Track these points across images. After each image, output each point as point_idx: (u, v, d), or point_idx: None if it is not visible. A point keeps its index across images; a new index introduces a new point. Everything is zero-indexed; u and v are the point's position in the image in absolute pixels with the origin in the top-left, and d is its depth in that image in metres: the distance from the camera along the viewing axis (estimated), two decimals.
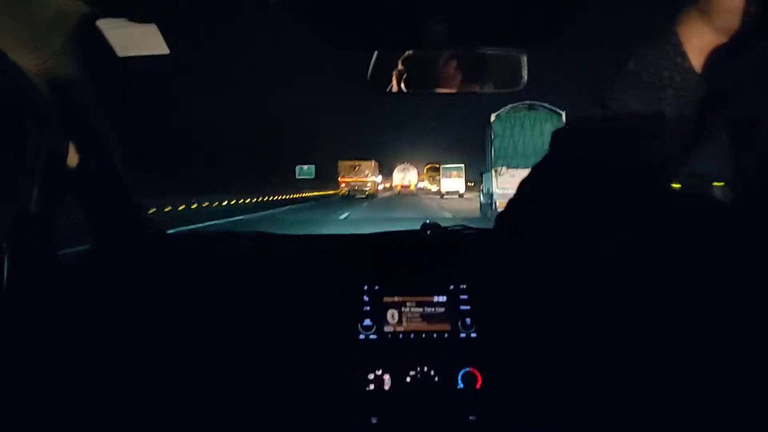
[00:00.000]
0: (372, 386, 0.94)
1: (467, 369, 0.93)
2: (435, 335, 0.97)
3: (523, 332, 0.96)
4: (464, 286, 0.99)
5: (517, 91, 0.97)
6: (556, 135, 0.67)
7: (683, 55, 0.55)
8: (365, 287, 1.00)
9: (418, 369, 0.95)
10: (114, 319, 0.95)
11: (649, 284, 0.80)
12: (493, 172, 8.37)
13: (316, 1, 0.79)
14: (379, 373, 0.95)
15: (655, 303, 0.81)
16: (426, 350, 0.97)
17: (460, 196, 30.62)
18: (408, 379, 0.94)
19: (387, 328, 0.98)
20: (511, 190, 0.86)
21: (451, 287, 0.99)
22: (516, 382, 0.94)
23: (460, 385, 0.93)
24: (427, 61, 0.99)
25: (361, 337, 0.98)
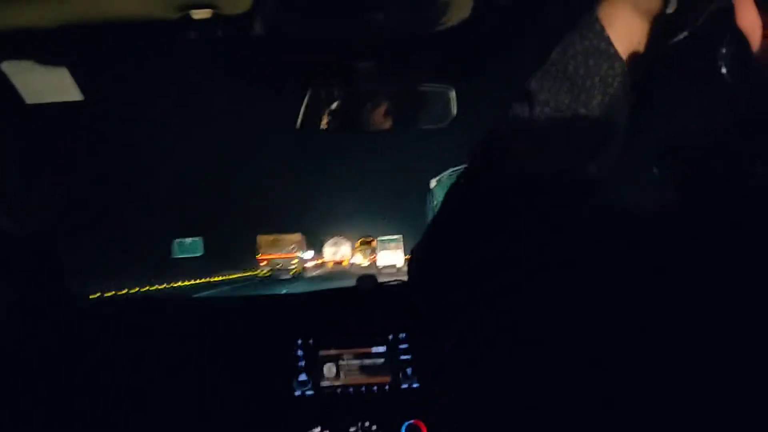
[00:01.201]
0: None
1: (410, 422, 0.99)
2: (375, 388, 1.03)
3: (466, 379, 1.08)
4: (404, 335, 1.07)
5: (445, 128, 1.17)
6: (482, 143, 0.70)
7: (607, 41, 0.59)
8: (299, 341, 1.05)
9: (359, 425, 0.99)
10: (30, 384, 0.96)
11: (593, 312, 0.95)
12: None
13: (245, 41, 0.94)
14: (317, 431, 0.99)
15: (601, 333, 0.95)
16: (366, 404, 1.02)
17: (398, 269, 31.06)
18: None
19: (324, 383, 1.03)
20: None
21: (391, 337, 1.06)
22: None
23: None
24: (357, 100, 1.16)
25: (297, 393, 1.01)
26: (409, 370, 1.05)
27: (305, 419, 0.99)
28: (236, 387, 0.99)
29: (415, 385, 1.04)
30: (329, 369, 1.04)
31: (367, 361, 1.05)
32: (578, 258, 0.81)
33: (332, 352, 1.05)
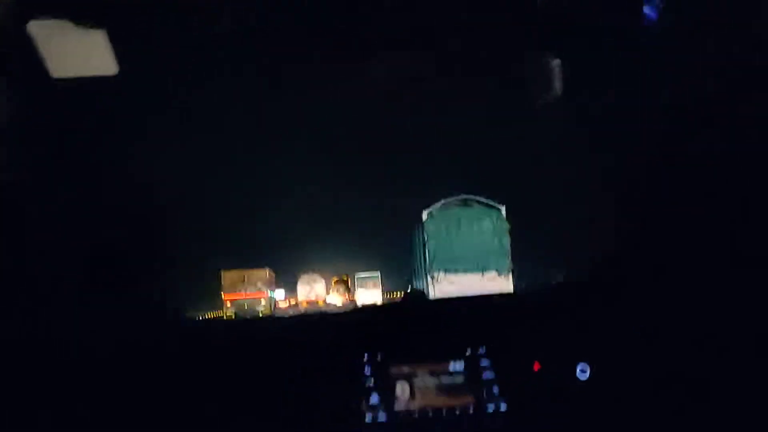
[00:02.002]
0: None
1: None
2: (458, 411, 0.94)
3: (568, 401, 0.96)
4: (484, 350, 0.99)
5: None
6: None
7: None
8: (366, 357, 0.97)
9: None
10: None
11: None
12: (429, 279, 8.59)
13: None
14: None
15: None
16: (451, 429, 0.93)
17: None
18: None
19: (398, 406, 0.93)
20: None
21: (469, 352, 0.99)
22: None
23: None
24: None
25: (368, 419, 0.92)
26: (495, 389, 0.96)
27: None
28: (304, 412, 0.91)
29: (502, 407, 0.95)
30: (402, 389, 0.94)
31: (445, 380, 0.96)
32: None
33: (404, 369, 0.96)
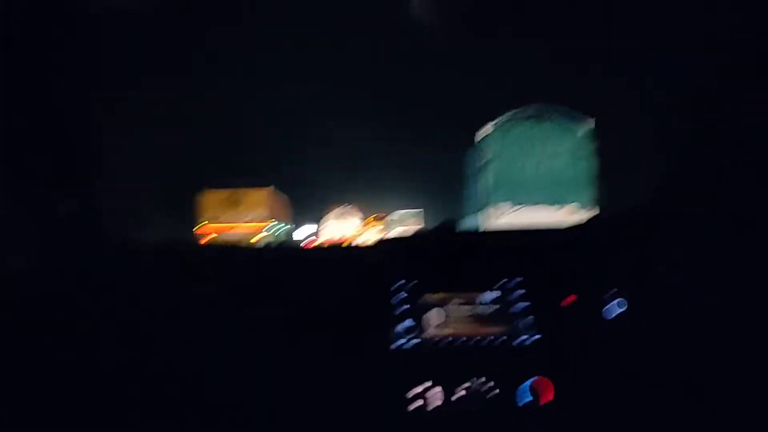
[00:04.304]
0: (415, 405, 1.05)
1: (534, 378, 1.05)
2: (490, 339, 1.09)
3: (599, 335, 1.11)
4: (519, 280, 1.14)
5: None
6: None
7: None
8: (401, 282, 1.13)
9: (474, 381, 1.06)
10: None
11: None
12: (489, 211, 8.56)
13: None
14: (423, 388, 1.06)
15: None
16: (481, 357, 1.08)
17: None
18: (461, 395, 1.06)
19: (430, 332, 1.11)
20: None
21: (503, 281, 1.14)
22: (592, 393, 1.07)
23: (528, 398, 1.04)
24: None
25: (400, 342, 1.09)
26: (529, 320, 1.11)
27: (410, 374, 1.07)
28: (334, 334, 1.08)
29: (535, 337, 1.10)
30: (435, 316, 1.12)
31: (479, 308, 1.12)
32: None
33: (438, 296, 1.13)
